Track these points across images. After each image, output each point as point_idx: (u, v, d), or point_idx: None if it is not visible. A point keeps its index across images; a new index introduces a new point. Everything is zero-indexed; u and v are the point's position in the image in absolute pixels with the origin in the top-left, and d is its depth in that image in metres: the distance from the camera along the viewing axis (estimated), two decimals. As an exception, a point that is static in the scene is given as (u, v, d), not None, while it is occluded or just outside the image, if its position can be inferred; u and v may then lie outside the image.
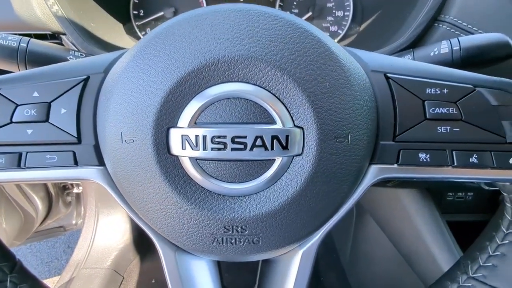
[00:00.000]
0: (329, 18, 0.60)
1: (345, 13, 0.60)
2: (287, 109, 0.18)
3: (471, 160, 0.19)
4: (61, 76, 0.21)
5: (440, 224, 0.48)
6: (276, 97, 0.18)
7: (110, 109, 0.19)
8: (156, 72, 0.18)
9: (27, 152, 0.20)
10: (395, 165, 0.20)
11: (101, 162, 0.20)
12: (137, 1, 0.59)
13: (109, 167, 0.20)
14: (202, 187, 0.19)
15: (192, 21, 0.19)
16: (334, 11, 0.60)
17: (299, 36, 0.18)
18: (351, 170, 0.19)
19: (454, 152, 0.19)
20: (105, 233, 0.96)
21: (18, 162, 0.20)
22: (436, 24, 0.41)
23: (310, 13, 0.59)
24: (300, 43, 0.18)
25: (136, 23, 0.59)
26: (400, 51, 0.41)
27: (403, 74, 0.21)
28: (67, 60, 0.35)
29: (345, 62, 0.19)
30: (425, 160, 0.20)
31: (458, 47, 0.32)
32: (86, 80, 0.20)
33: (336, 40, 0.60)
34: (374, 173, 0.20)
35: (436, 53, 0.34)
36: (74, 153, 0.20)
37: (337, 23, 0.60)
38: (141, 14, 0.60)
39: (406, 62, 0.24)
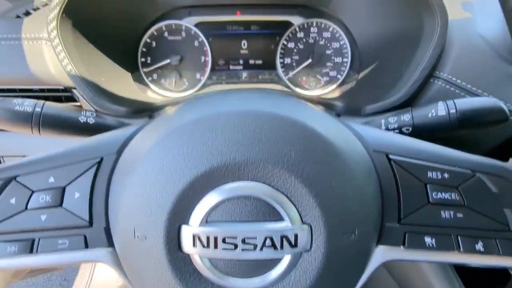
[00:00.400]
0: (329, 63, 0.63)
1: (344, 59, 0.63)
2: (296, 207, 0.19)
3: (477, 247, 0.20)
4: (76, 158, 0.22)
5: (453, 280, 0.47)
6: (285, 195, 0.19)
7: (123, 201, 0.20)
8: (170, 171, 0.19)
9: (39, 238, 0.20)
10: (402, 247, 0.21)
11: (110, 243, 0.21)
12: (145, 50, 0.62)
13: (118, 249, 0.21)
14: (212, 282, 0.19)
15: (205, 123, 0.20)
16: (333, 58, 0.63)
17: (304, 136, 0.19)
18: (359, 259, 0.19)
19: (459, 238, 0.20)
20: (104, 270, 0.94)
21: (31, 249, 0.20)
22: (432, 80, 0.43)
23: (310, 60, 0.62)
24: (306, 143, 0.19)
25: (144, 70, 0.62)
26: (398, 106, 0.43)
27: (404, 155, 0.22)
28: (78, 121, 0.36)
29: (349, 153, 0.20)
30: (431, 244, 0.20)
31: (454, 110, 0.34)
32: (99, 163, 0.21)
33: (335, 85, 0.63)
34: (381, 254, 0.21)
35: (433, 114, 0.35)
36: (85, 237, 0.20)
37: (336, 68, 0.63)
38: (149, 61, 0.62)
39: (407, 141, 0.25)
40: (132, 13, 0.55)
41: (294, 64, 0.64)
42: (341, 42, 0.62)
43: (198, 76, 0.64)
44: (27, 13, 0.51)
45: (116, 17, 0.52)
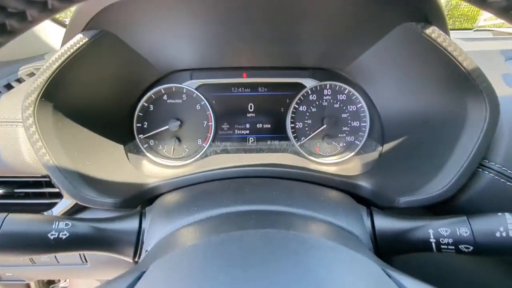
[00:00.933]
0: (345, 128, 0.57)
1: (362, 124, 0.56)
2: None
3: None
4: None
5: None
6: None
7: None
8: None
9: None
10: None
11: None
12: (141, 114, 0.56)
13: None
14: None
15: None
16: (349, 121, 0.57)
17: None
18: None
19: None
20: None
21: None
22: (481, 170, 0.36)
23: (324, 126, 0.56)
24: None
25: (140, 137, 0.55)
26: (440, 202, 0.36)
27: None
28: (47, 237, 0.29)
29: None
30: None
31: None
32: None
33: (354, 153, 0.55)
34: None
35: (504, 234, 0.27)
36: None
37: (353, 133, 0.56)
38: (145, 126, 0.56)
39: None
40: (127, 80, 0.49)
41: (306, 129, 0.58)
42: (358, 105, 0.56)
43: (199, 142, 0.58)
44: (8, 86, 0.45)
45: (107, 88, 0.46)
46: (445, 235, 0.29)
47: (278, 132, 0.58)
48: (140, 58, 0.48)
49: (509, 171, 0.35)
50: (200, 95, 0.57)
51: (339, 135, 0.57)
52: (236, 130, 0.59)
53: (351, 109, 0.57)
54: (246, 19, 0.43)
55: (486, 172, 0.36)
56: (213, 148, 0.57)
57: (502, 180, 0.35)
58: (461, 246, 0.29)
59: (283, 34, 0.47)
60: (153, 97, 0.56)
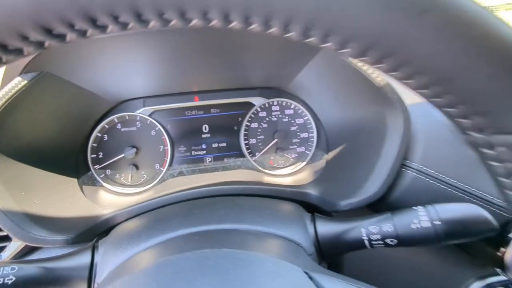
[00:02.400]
0: (295, 140, 0.61)
1: (310, 135, 0.61)
2: None
3: None
4: None
5: None
6: None
7: None
8: None
9: None
10: None
11: None
12: (95, 145, 0.56)
13: None
14: None
15: None
16: (298, 133, 0.61)
17: None
18: None
19: None
20: None
21: None
22: (404, 170, 0.41)
23: (276, 140, 0.60)
24: None
25: (95, 167, 0.55)
26: (374, 203, 0.40)
27: None
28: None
29: None
30: None
31: (439, 222, 0.31)
32: None
33: (305, 163, 0.60)
34: None
35: (418, 226, 0.32)
36: None
37: (303, 144, 0.61)
38: (100, 156, 0.56)
39: None
40: (76, 114, 0.50)
41: (259, 144, 0.61)
42: (305, 118, 0.60)
43: (157, 167, 0.59)
44: None
45: (55, 124, 0.46)
46: (375, 232, 0.33)
47: (233, 149, 0.61)
48: (88, 93, 0.48)
49: (426, 168, 0.40)
50: (154, 121, 0.58)
51: (290, 147, 0.61)
52: (193, 152, 0.61)
53: (299, 122, 0.61)
54: (193, 52, 0.46)
55: (409, 171, 0.41)
56: (170, 172, 0.59)
57: (421, 177, 0.40)
58: (387, 240, 0.33)
59: (229, 62, 0.50)
60: (107, 126, 0.57)
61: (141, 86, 0.56)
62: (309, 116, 0.60)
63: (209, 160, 0.61)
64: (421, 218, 0.32)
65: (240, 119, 0.61)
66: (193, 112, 0.61)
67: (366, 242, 0.33)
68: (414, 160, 0.41)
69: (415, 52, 0.13)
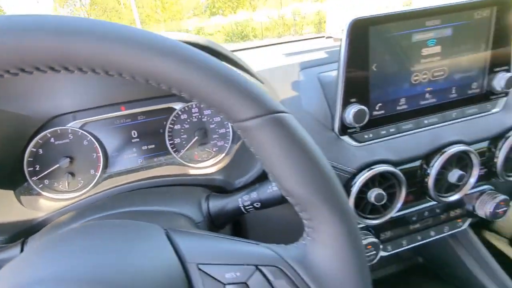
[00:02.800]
0: (215, 136, 0.72)
1: (226, 130, 0.72)
2: None
3: None
4: None
5: None
6: None
7: None
8: None
9: None
10: None
11: None
12: (31, 159, 0.62)
13: None
14: None
15: None
16: (217, 130, 0.72)
17: None
18: None
19: None
20: None
21: None
22: None
23: (196, 137, 0.70)
24: None
25: (33, 179, 0.62)
26: (252, 182, 0.52)
27: (210, 262, 0.28)
28: None
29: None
30: None
31: None
32: None
33: (224, 154, 0.71)
34: None
35: (272, 189, 0.44)
36: None
37: (222, 138, 0.72)
38: (37, 169, 0.63)
39: (213, 244, 0.31)
40: (4, 136, 0.56)
41: (184, 142, 0.71)
42: (221, 116, 0.71)
43: (92, 172, 0.66)
44: None
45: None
46: (246, 199, 0.45)
47: (161, 149, 0.70)
48: (14, 115, 0.55)
49: None
50: (85, 133, 0.66)
51: (211, 142, 0.72)
52: (124, 156, 0.69)
53: (216, 120, 0.72)
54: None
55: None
56: (104, 175, 0.67)
57: None
58: (255, 204, 0.44)
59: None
60: (40, 141, 0.63)
61: (70, 101, 0.63)
62: (224, 114, 0.71)
63: (141, 161, 0.70)
64: (273, 184, 0.44)
65: (164, 122, 0.70)
66: (122, 121, 0.69)
67: (242, 209, 0.45)
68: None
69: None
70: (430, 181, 0.53)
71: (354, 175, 0.50)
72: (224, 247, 0.30)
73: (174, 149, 0.72)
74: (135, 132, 0.72)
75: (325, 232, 0.27)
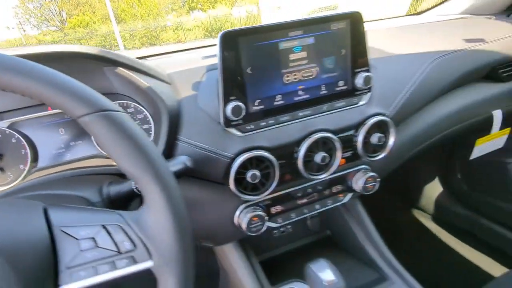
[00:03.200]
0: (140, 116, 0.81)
1: (149, 126, 0.81)
2: None
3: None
4: None
5: None
6: None
7: None
8: None
9: None
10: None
11: None
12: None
13: None
14: None
15: None
16: (141, 126, 0.81)
17: None
18: None
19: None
20: None
21: None
22: (177, 142, 0.63)
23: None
24: None
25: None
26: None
27: (69, 225, 0.38)
28: None
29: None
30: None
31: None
32: None
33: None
34: None
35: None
36: None
37: (145, 122, 0.81)
38: (-34, 165, 0.70)
39: (77, 214, 0.41)
40: None
41: (108, 138, 0.79)
42: (144, 114, 0.80)
43: (21, 167, 0.74)
44: None
45: None
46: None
47: (87, 145, 0.79)
48: None
49: (189, 140, 0.63)
50: (13, 131, 0.73)
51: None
52: (53, 151, 0.77)
53: (139, 117, 0.81)
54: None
55: (180, 143, 0.63)
56: (34, 169, 0.74)
57: (188, 146, 0.63)
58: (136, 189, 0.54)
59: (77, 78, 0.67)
60: (-31, 141, 0.70)
61: (-2, 103, 0.70)
62: (146, 112, 0.80)
63: (69, 155, 0.78)
64: (175, 161, 0.54)
65: (89, 120, 0.78)
66: (50, 119, 0.76)
67: (135, 190, 0.55)
68: (182, 135, 0.63)
69: None
70: (299, 162, 0.65)
71: (233, 159, 0.61)
72: (84, 214, 0.40)
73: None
74: (63, 130, 0.79)
75: (152, 200, 0.38)
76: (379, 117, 0.69)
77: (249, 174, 0.61)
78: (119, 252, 0.38)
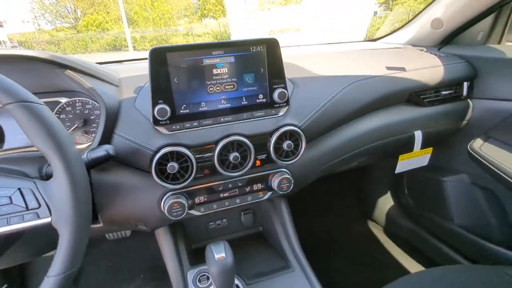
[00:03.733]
0: (94, 124, 0.93)
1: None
2: None
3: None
4: None
5: None
6: None
7: None
8: None
9: None
10: None
11: None
12: None
13: None
14: None
15: None
16: (97, 120, 0.94)
17: None
18: None
19: None
20: None
21: None
22: (113, 135, 0.76)
23: (76, 125, 0.91)
24: None
25: None
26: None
27: None
28: None
29: None
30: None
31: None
32: None
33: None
34: None
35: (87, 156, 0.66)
36: None
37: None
38: None
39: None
40: None
41: (67, 128, 0.92)
42: (100, 110, 0.93)
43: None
44: None
45: None
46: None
47: (48, 133, 0.91)
48: None
49: (126, 135, 0.75)
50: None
51: (91, 129, 0.94)
52: (17, 136, 0.90)
53: (96, 113, 0.94)
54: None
55: (116, 137, 0.76)
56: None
57: (125, 140, 0.75)
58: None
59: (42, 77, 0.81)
60: None
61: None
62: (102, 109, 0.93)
63: (30, 141, 0.90)
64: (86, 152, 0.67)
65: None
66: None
67: None
68: (120, 131, 0.76)
69: None
70: (215, 159, 0.77)
71: (156, 152, 0.73)
72: (8, 180, 0.52)
73: (59, 133, 0.92)
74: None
75: (57, 173, 0.50)
76: (291, 127, 0.82)
77: (168, 165, 0.73)
78: (27, 209, 0.50)
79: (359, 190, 1.74)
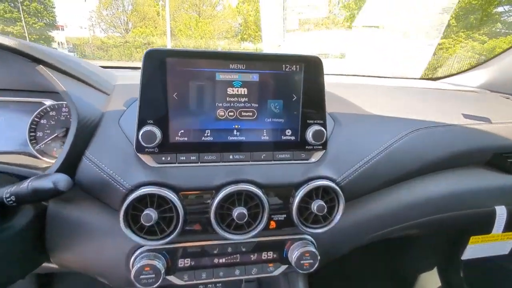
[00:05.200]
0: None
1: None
2: None
3: None
4: None
5: None
6: None
7: None
8: None
9: None
10: None
11: None
12: None
13: None
14: None
15: None
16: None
17: None
18: None
19: None
20: None
21: None
22: (83, 156, 0.56)
23: (56, 134, 0.74)
24: None
25: None
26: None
27: None
28: None
29: None
30: None
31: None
32: None
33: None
34: None
35: (27, 186, 0.46)
36: None
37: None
38: None
39: None
40: None
41: (46, 137, 0.75)
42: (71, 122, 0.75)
43: None
44: None
45: None
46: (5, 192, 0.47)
47: (19, 140, 0.74)
48: None
49: (94, 158, 0.55)
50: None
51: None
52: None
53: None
54: None
55: (85, 160, 0.56)
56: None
57: (90, 163, 0.55)
58: (11, 198, 0.46)
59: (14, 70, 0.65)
60: None
61: None
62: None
63: (2, 145, 0.74)
64: (28, 181, 0.46)
65: (31, 114, 0.75)
66: (-7, 108, 0.74)
67: (4, 200, 0.47)
68: (89, 150, 0.56)
69: None
70: (211, 214, 0.54)
71: (130, 192, 0.52)
72: None
73: (33, 141, 0.75)
74: (3, 119, 0.76)
75: None
76: (326, 181, 0.57)
77: (143, 213, 0.51)
78: None
79: (395, 263, 1.40)
